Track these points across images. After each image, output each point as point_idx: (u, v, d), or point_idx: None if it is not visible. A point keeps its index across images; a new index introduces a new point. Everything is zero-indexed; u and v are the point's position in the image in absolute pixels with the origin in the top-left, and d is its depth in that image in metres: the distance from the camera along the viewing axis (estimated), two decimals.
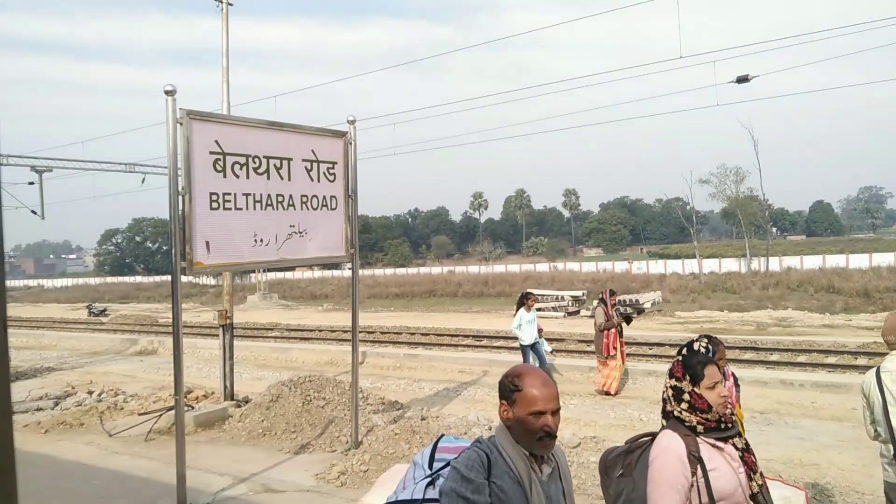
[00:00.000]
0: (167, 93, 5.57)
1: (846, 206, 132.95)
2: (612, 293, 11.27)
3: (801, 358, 14.59)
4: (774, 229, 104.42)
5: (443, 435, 2.58)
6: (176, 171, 5.62)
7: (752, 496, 2.37)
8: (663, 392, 2.56)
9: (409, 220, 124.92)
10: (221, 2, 9.73)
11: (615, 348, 10.56)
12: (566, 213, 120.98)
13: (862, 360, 13.57)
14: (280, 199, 6.48)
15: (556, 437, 2.09)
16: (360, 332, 21.32)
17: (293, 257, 6.75)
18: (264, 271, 47.53)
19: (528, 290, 13.28)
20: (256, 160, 6.25)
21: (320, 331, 22.56)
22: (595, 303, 13.95)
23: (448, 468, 2.17)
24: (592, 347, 16.54)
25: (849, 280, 35.06)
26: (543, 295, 31.21)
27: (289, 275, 69.38)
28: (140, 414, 8.88)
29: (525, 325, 10.78)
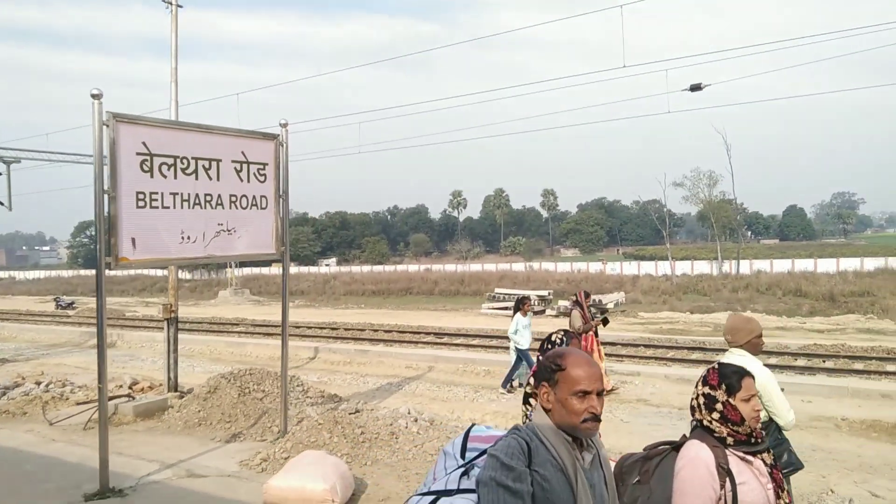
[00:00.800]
0: (94, 96, 5.84)
1: (820, 211, 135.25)
2: (587, 294, 11.06)
3: None
4: (749, 233, 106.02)
5: (473, 424, 2.47)
6: (102, 170, 5.90)
7: None
8: (693, 398, 2.48)
9: (388, 217, 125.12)
10: (171, 3, 9.97)
11: (592, 350, 10.41)
12: (545, 214, 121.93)
13: (801, 361, 14.12)
14: (208, 198, 6.78)
15: (600, 419, 2.02)
16: (324, 328, 21.69)
17: (221, 254, 7.05)
18: (234, 266, 47.56)
19: (524, 295, 13.05)
20: (185, 161, 6.55)
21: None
22: (569, 304, 14.00)
23: (482, 457, 2.10)
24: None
25: (816, 284, 35.75)
26: (509, 294, 31.68)
27: (265, 270, 69.50)
28: (79, 403, 9.13)
29: (522, 330, 10.84)
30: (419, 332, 20.11)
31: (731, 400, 2.35)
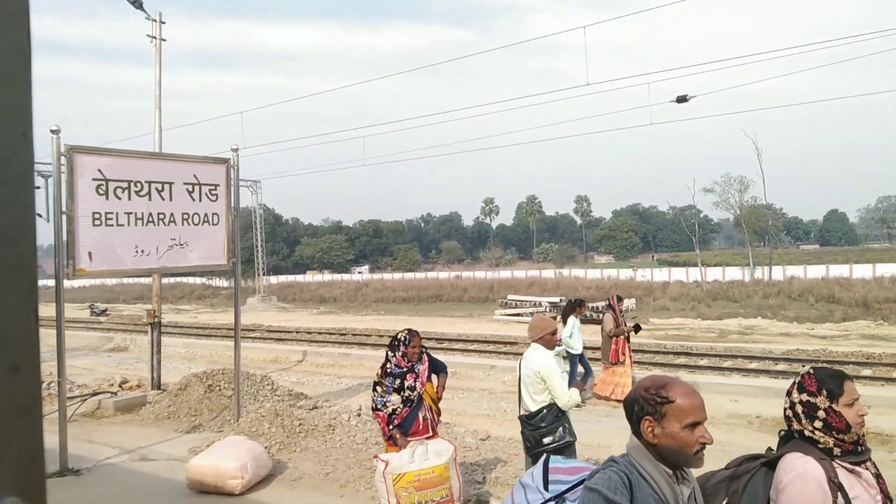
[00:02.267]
0: (52, 132, 6.85)
1: (864, 216, 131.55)
2: (620, 299, 10.99)
3: (728, 363, 15.52)
4: (788, 238, 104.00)
5: (549, 455, 2.48)
6: (60, 194, 6.89)
7: None
8: (787, 408, 2.31)
9: (422, 224, 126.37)
10: (155, 38, 11.01)
11: (623, 355, 10.46)
12: (578, 220, 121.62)
13: (781, 366, 14.43)
14: (161, 216, 7.72)
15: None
16: (332, 333, 22.68)
17: (174, 265, 7.99)
18: (267, 272, 49.19)
19: (579, 297, 12.37)
20: (138, 184, 7.50)
21: (297, 332, 23.82)
22: (601, 307, 14.02)
23: (572, 491, 2.07)
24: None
25: (850, 290, 34.97)
26: (522, 301, 32.27)
27: (299, 277, 71.45)
28: (67, 398, 10.17)
29: (576, 333, 10.50)
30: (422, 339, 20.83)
31: (833, 406, 2.19)
